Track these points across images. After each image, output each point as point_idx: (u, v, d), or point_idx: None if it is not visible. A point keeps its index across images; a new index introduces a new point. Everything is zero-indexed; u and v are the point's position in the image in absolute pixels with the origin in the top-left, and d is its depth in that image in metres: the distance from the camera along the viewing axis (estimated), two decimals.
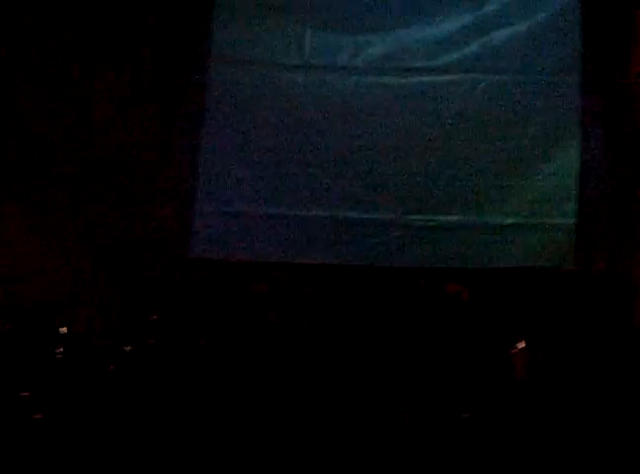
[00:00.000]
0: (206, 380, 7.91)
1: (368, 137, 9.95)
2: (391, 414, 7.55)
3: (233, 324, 9.38)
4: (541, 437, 7.07)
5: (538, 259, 9.83)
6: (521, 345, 8.68)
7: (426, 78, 9.96)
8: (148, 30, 10.00)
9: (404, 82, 9.98)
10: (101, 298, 9.51)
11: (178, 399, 7.51)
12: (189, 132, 9.99)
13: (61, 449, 6.68)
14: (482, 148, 9.92)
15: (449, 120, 9.93)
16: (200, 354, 8.31)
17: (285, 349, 9.08)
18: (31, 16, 9.84)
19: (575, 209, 9.83)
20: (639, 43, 9.82)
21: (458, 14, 9.98)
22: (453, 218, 9.88)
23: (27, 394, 7.13)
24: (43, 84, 9.86)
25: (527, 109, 9.90)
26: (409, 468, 6.82)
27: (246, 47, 10.08)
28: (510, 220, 9.86)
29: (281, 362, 8.63)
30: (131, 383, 7.66)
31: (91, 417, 7.07)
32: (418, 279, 9.53)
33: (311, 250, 9.88)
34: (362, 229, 9.92)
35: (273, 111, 10.00)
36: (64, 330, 8.57)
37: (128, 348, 8.24)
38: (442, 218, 9.88)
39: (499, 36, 9.93)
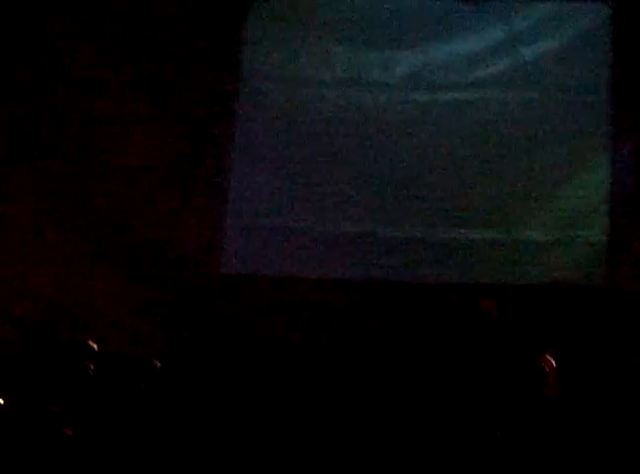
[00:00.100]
0: (236, 397, 7.94)
1: (398, 153, 9.95)
2: (422, 430, 7.55)
3: (262, 340, 9.41)
4: (570, 454, 7.06)
5: (568, 275, 9.77)
6: (551, 362, 8.65)
7: (456, 94, 9.95)
8: (178, 46, 10.05)
9: (434, 98, 9.98)
10: (132, 315, 9.56)
11: (207, 416, 7.53)
12: (219, 148, 10.02)
13: (90, 464, 6.72)
14: (512, 164, 9.88)
15: (479, 137, 9.91)
16: (230, 371, 8.34)
17: (314, 364, 9.10)
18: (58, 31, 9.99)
19: (605, 225, 9.77)
20: None
21: (489, 30, 9.98)
22: (483, 234, 9.84)
23: (55, 409, 7.17)
24: (71, 100, 9.99)
25: (558, 125, 9.86)
26: None
27: (276, 63, 10.12)
28: (539, 236, 9.81)
29: (309, 378, 8.65)
30: (161, 400, 7.69)
31: (120, 433, 7.10)
32: (447, 296, 9.50)
33: (340, 266, 9.87)
34: (392, 245, 9.90)
35: (302, 126, 10.02)
36: (94, 345, 8.62)
37: (159, 364, 8.27)
38: (472, 234, 9.85)
39: (529, 52, 9.90)
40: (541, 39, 9.92)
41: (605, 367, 8.91)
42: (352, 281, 9.82)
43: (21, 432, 6.79)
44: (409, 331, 9.49)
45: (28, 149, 9.93)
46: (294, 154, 10.02)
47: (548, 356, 8.57)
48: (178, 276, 9.70)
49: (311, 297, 9.76)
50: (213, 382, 8.12)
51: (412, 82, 10.04)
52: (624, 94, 9.82)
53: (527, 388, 8.41)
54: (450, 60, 10.01)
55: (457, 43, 10.02)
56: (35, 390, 8.05)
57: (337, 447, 7.21)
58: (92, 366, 8.33)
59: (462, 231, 9.88)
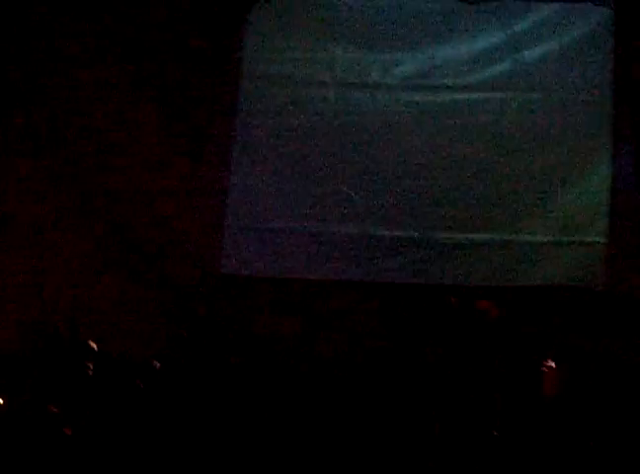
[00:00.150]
0: (235, 396, 7.94)
1: (399, 154, 9.95)
2: (421, 430, 7.56)
3: (262, 340, 9.41)
4: (569, 454, 7.07)
5: (568, 277, 9.77)
6: (550, 363, 8.67)
7: (457, 96, 9.96)
8: (178, 46, 10.05)
9: (435, 99, 9.98)
10: (131, 315, 9.56)
11: (207, 415, 7.54)
12: (220, 149, 10.02)
13: (90, 464, 6.72)
14: (513, 165, 9.89)
15: (480, 138, 9.91)
16: (230, 371, 8.34)
17: (314, 364, 9.11)
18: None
19: (606, 227, 9.77)
20: None
21: (490, 32, 9.98)
22: (483, 236, 9.84)
23: (55, 409, 7.18)
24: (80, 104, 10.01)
25: (559, 126, 9.87)
26: None
27: (277, 65, 10.11)
28: (540, 238, 9.81)
29: (309, 378, 8.65)
30: (161, 400, 7.70)
31: (120, 432, 7.11)
32: (447, 297, 9.50)
33: (340, 267, 9.87)
34: (392, 245, 9.90)
35: (303, 127, 10.02)
36: (94, 345, 8.63)
37: (158, 364, 8.28)
38: (472, 236, 9.85)
39: (531, 53, 9.91)
40: (542, 40, 9.92)
41: (604, 369, 8.91)
42: (352, 282, 9.83)
43: (21, 431, 6.79)
44: (409, 331, 9.49)
45: (28, 149, 9.93)
46: (294, 154, 10.03)
47: (547, 357, 8.61)
48: (178, 276, 9.71)
49: (311, 298, 9.77)
50: (213, 382, 8.13)
51: (412, 83, 10.04)
52: (624, 95, 9.82)
53: (527, 389, 8.43)
54: (451, 61, 10.02)
55: (458, 45, 10.02)
56: (35, 390, 8.06)
57: (337, 447, 7.22)
58: (92, 366, 8.34)
59: (462, 232, 9.88)
